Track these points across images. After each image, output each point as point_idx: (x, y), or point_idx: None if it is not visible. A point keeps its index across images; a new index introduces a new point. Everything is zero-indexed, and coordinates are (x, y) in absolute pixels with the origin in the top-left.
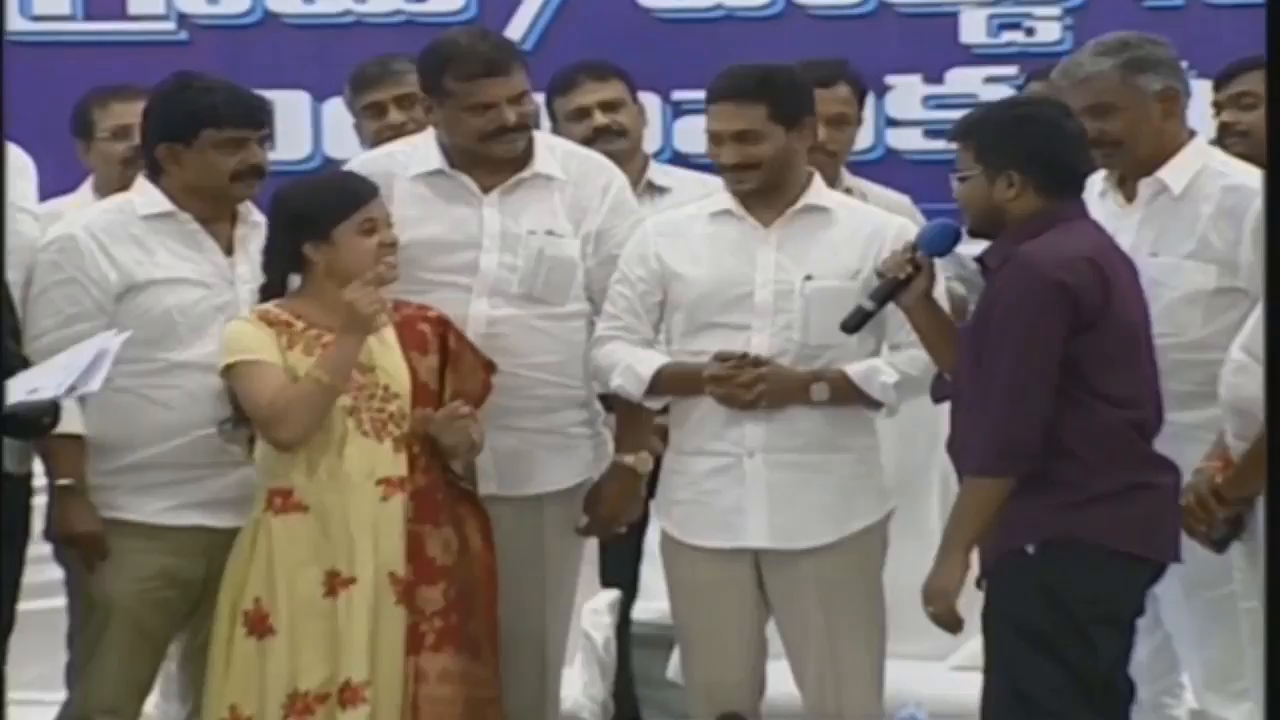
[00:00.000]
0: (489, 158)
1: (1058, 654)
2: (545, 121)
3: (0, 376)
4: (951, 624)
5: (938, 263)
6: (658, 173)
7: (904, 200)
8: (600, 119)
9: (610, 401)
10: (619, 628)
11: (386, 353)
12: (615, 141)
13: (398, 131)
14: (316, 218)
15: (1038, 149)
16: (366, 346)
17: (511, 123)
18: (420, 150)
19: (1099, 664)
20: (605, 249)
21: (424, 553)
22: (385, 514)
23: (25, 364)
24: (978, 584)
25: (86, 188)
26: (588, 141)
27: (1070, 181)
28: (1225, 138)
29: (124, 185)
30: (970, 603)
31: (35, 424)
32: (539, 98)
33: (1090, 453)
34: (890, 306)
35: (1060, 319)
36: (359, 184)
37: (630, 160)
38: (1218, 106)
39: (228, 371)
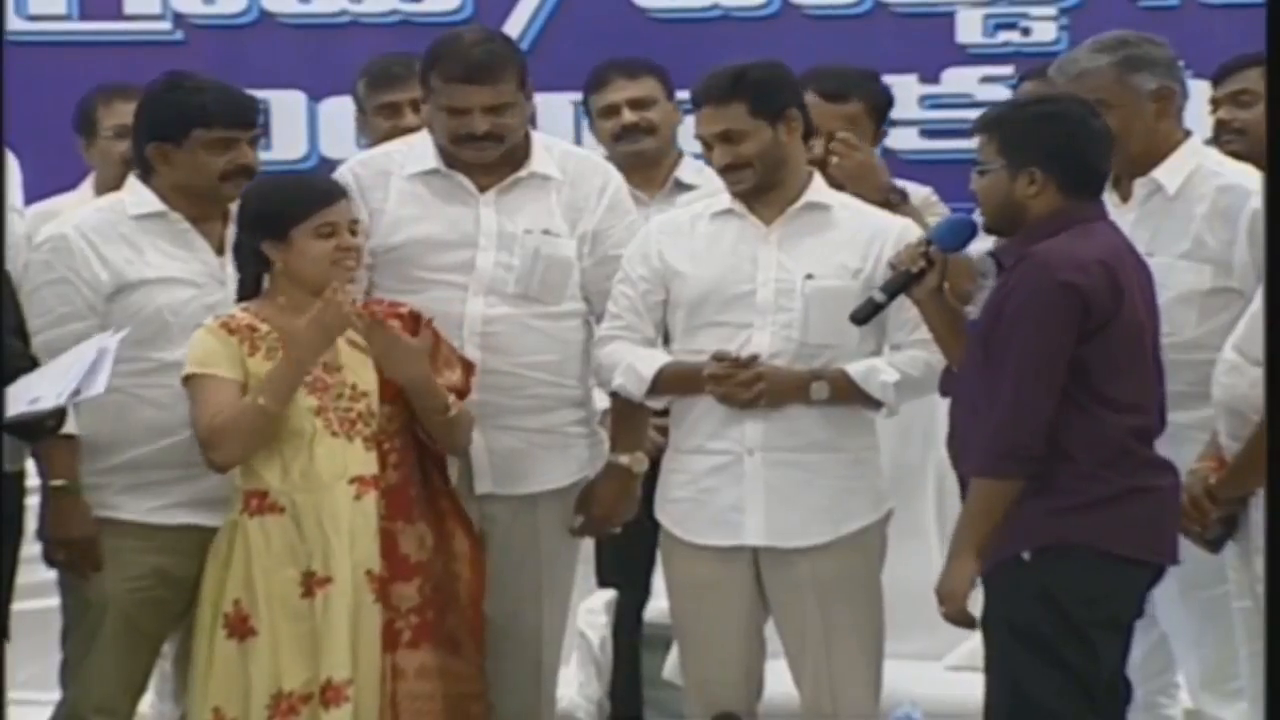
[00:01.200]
0: (460, 159)
1: (1057, 657)
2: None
3: (0, 378)
4: (965, 623)
5: None
6: (689, 170)
7: (924, 191)
8: (629, 116)
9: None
10: (629, 628)
11: (353, 351)
12: (642, 140)
13: (408, 135)
14: (275, 217)
15: (1063, 148)
16: (334, 345)
17: (480, 132)
18: (417, 149)
19: (1099, 667)
20: (601, 249)
21: (397, 550)
22: (359, 513)
23: (34, 363)
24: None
25: (87, 186)
26: (616, 138)
27: (1091, 182)
28: (1221, 134)
29: (124, 184)
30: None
31: (39, 426)
32: (537, 96)
33: (1088, 458)
34: (893, 305)
35: (1070, 322)
36: (323, 186)
37: (663, 158)
38: (1215, 104)
39: (185, 382)
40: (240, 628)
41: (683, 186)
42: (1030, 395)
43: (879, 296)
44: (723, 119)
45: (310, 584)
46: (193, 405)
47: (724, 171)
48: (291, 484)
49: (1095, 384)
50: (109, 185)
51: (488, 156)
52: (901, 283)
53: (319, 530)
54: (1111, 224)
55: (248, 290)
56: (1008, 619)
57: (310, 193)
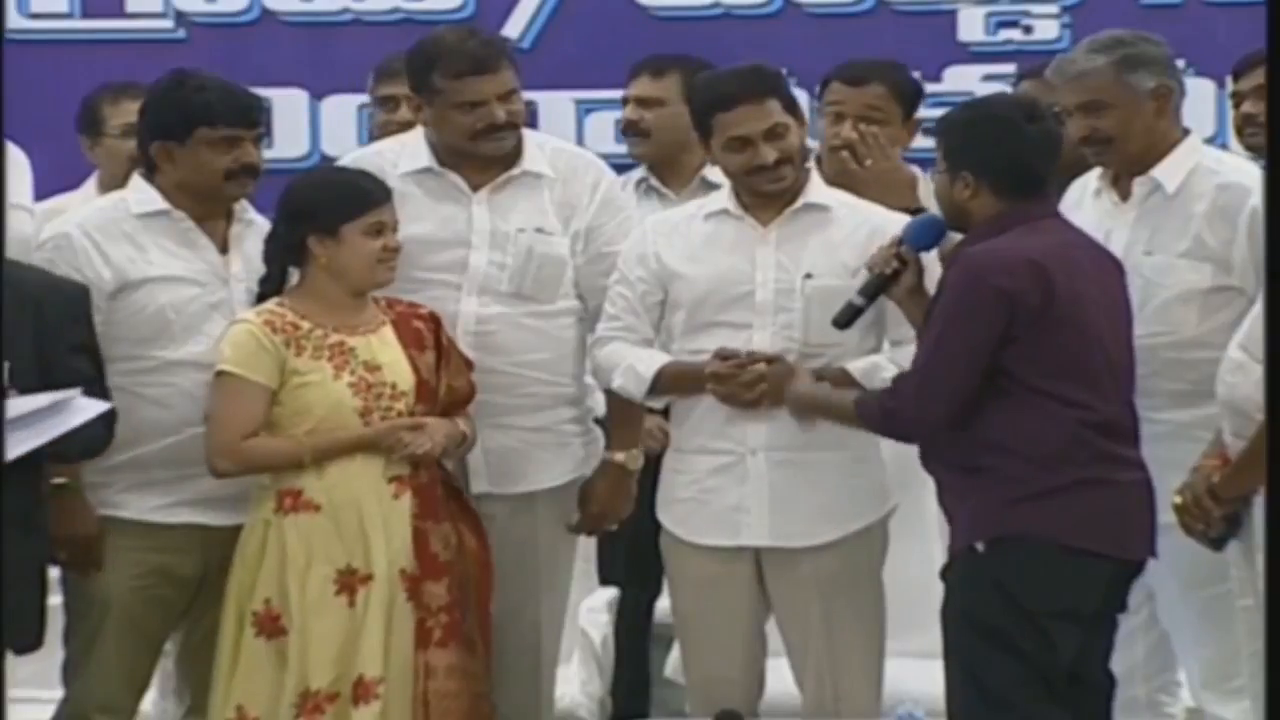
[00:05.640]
0: (478, 156)
1: (1012, 648)
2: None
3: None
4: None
5: None
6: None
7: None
8: (629, 114)
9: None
10: (637, 626)
11: (389, 350)
12: (638, 141)
13: (402, 129)
14: (327, 212)
15: (991, 152)
16: (369, 344)
17: (501, 120)
18: (409, 148)
19: (1056, 658)
20: (594, 247)
21: (428, 549)
22: (395, 511)
23: (99, 386)
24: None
25: (90, 185)
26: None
27: (1028, 184)
28: (1246, 127)
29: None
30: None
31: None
32: (538, 95)
33: (1035, 450)
34: (891, 303)
35: (993, 322)
36: (374, 185)
37: (679, 155)
38: (1237, 97)
39: (217, 376)
40: (270, 627)
41: (709, 185)
42: (932, 379)
43: (858, 300)
44: (769, 114)
45: (351, 581)
46: (217, 403)
47: (770, 169)
48: (329, 482)
49: (1033, 380)
50: (114, 183)
51: (506, 146)
52: (877, 285)
53: (359, 528)
54: (1063, 222)
55: (273, 285)
56: (963, 609)
57: (364, 191)
